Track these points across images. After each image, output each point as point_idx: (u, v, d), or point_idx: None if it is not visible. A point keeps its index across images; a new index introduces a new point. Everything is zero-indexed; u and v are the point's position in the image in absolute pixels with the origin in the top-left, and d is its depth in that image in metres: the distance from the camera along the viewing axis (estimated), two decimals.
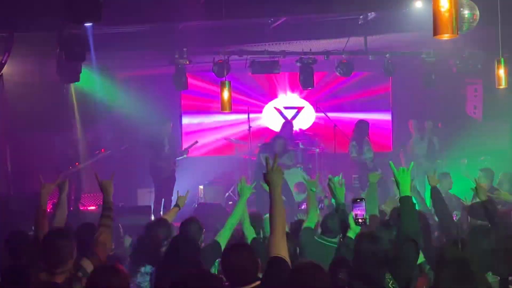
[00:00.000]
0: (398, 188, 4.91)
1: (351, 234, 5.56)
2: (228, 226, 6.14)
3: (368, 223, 5.75)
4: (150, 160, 12.64)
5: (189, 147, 13.31)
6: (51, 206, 7.79)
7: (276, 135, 13.40)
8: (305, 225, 6.56)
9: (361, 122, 13.25)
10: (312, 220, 6.61)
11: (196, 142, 13.49)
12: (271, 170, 4.34)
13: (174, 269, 4.69)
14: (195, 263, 5.10)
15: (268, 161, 4.43)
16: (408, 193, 4.84)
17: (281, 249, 4.13)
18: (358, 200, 5.48)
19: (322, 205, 10.00)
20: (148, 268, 5.86)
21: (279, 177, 4.33)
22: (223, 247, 5.76)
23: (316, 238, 6.40)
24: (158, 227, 6.40)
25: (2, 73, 9.22)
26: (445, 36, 4.63)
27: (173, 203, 11.86)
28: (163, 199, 12.51)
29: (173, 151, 12.83)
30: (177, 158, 12.94)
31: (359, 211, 5.44)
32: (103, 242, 4.77)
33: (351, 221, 5.57)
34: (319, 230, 6.59)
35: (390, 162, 5.05)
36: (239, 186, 6.40)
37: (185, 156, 13.13)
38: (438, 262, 4.50)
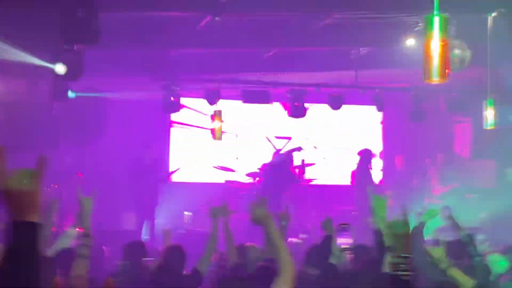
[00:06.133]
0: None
1: (333, 261, 5.33)
2: (208, 252, 6.07)
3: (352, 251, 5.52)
4: (131, 185, 12.50)
5: (171, 173, 13.31)
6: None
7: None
8: None
9: (365, 150, 13.41)
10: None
11: (178, 168, 13.49)
12: (255, 207, 3.77)
13: None
14: None
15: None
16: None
17: None
18: (343, 227, 5.19)
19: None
20: None
21: (262, 213, 3.75)
22: (204, 274, 5.75)
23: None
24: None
25: None
26: (435, 81, 4.69)
27: (156, 226, 11.94)
28: (144, 223, 12.41)
29: (154, 176, 12.62)
30: (160, 182, 12.82)
31: (344, 239, 5.21)
32: (81, 275, 4.63)
33: (335, 249, 5.28)
34: None
35: (368, 188, 4.69)
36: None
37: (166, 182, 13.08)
38: None
